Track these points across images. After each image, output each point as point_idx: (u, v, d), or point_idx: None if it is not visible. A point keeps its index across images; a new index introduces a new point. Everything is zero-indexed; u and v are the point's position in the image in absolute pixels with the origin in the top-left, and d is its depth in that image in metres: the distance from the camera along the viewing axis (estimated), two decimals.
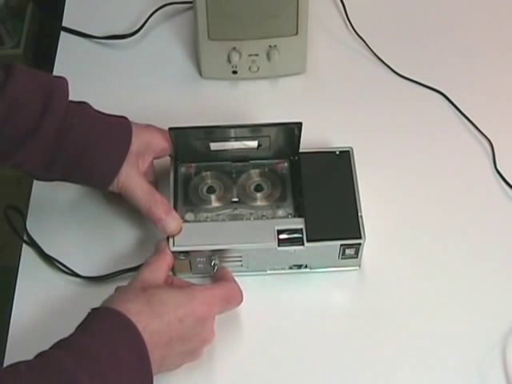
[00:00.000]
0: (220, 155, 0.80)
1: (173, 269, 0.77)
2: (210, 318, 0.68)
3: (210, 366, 0.72)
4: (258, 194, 0.79)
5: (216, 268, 0.75)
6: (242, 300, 0.71)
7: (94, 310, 0.65)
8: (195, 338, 0.67)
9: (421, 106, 0.92)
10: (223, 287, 0.70)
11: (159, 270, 0.71)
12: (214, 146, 0.79)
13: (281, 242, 0.74)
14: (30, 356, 0.73)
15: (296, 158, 0.80)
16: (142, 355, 0.61)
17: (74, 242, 0.81)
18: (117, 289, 0.69)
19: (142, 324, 0.63)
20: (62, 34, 0.99)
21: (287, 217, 0.77)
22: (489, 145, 0.88)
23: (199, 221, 0.77)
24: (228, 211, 0.78)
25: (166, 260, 0.73)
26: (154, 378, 0.63)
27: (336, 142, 0.84)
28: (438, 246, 0.80)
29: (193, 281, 0.77)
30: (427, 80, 0.93)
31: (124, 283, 0.77)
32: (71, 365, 0.58)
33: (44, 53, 1.78)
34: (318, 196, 0.77)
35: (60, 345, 0.61)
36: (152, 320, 0.64)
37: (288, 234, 0.75)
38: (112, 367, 0.60)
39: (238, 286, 0.71)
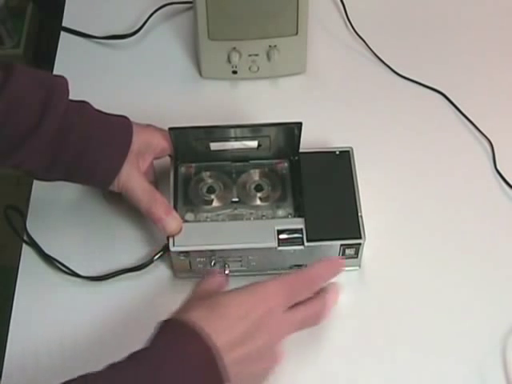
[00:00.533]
0: (220, 155, 0.80)
1: (173, 269, 0.77)
2: (274, 311, 0.65)
3: None
4: (258, 194, 0.79)
5: (215, 267, 0.75)
6: (312, 286, 0.68)
7: (163, 321, 0.64)
8: (262, 332, 0.64)
9: (421, 105, 0.92)
10: (285, 278, 0.67)
11: (211, 284, 0.70)
12: (214, 146, 0.79)
13: (281, 242, 0.74)
14: (30, 356, 0.74)
15: (296, 158, 0.80)
16: (213, 366, 0.60)
17: (74, 241, 0.81)
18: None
19: (211, 330, 0.61)
20: (62, 34, 0.99)
21: (287, 217, 0.77)
22: (489, 145, 0.88)
23: (199, 221, 0.77)
24: (228, 211, 0.78)
25: (215, 277, 0.71)
26: None
27: (336, 142, 0.84)
28: (437, 246, 0.80)
29: (193, 281, 0.77)
30: (427, 80, 0.93)
31: (124, 283, 0.77)
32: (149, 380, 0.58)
33: (44, 53, 1.78)
34: (318, 196, 0.77)
35: (135, 357, 0.60)
36: (218, 323, 0.62)
37: (288, 234, 0.75)
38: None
39: (307, 274, 0.68)
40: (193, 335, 0.61)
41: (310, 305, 0.67)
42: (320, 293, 0.68)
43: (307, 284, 0.68)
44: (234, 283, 0.77)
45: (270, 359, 0.65)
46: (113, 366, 0.59)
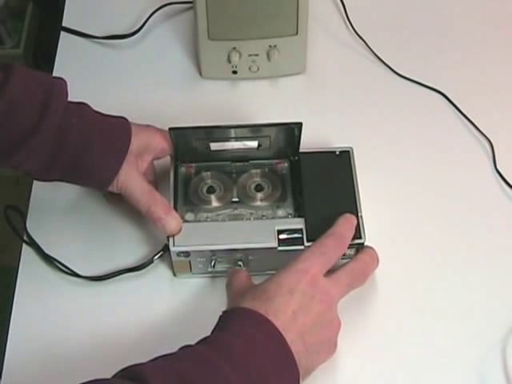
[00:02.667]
0: (220, 155, 0.80)
1: (173, 269, 0.77)
2: (316, 278, 0.67)
3: None
4: (258, 194, 0.79)
5: (215, 267, 0.75)
6: (340, 244, 0.71)
7: (223, 312, 0.66)
8: (314, 301, 0.66)
9: (421, 105, 0.92)
10: (312, 246, 0.70)
11: (241, 279, 0.72)
12: (214, 146, 0.79)
13: (281, 242, 0.74)
14: (29, 356, 0.74)
15: (296, 158, 0.80)
16: (278, 339, 0.62)
17: (74, 241, 0.81)
18: None
19: (265, 313, 0.63)
20: (62, 34, 0.99)
21: (287, 217, 0.77)
22: (489, 145, 0.88)
23: (199, 221, 0.77)
24: (228, 211, 0.78)
25: (240, 272, 0.74)
26: None
27: (336, 142, 0.84)
28: (437, 245, 0.80)
29: (193, 281, 0.78)
30: (427, 80, 0.93)
31: (124, 283, 0.77)
32: (224, 365, 0.59)
33: (44, 53, 1.79)
34: (318, 196, 0.77)
35: (206, 342, 0.62)
36: (270, 306, 0.64)
37: (288, 234, 0.75)
38: (258, 365, 0.61)
39: (331, 235, 0.71)
40: (254, 317, 0.63)
41: (350, 264, 0.72)
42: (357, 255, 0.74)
43: (335, 243, 0.71)
44: None
45: (330, 325, 0.68)
46: (186, 348, 0.61)
